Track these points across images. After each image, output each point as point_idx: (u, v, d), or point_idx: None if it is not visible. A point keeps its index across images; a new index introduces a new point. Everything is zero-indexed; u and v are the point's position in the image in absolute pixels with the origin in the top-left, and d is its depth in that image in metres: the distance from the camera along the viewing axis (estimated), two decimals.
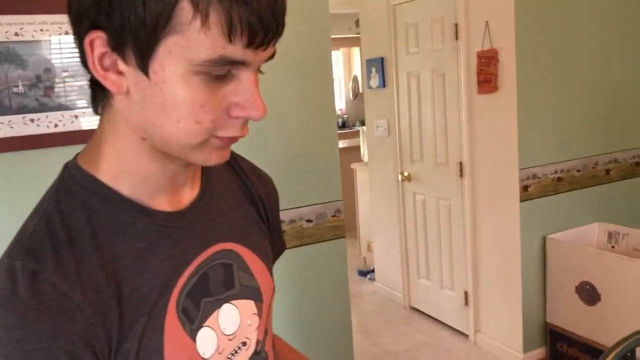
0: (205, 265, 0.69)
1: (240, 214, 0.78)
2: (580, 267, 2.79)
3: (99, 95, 0.63)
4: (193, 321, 0.65)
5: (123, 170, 0.64)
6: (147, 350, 0.61)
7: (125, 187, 0.64)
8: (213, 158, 0.63)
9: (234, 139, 0.62)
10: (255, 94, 0.59)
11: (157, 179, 0.66)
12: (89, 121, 1.84)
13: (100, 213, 0.63)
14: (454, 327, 3.49)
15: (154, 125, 0.59)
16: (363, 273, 4.56)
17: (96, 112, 0.65)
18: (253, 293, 0.74)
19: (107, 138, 0.64)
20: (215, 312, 0.68)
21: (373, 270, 4.37)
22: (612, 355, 1.31)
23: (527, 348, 3.00)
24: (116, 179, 0.64)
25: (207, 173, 0.75)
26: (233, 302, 0.71)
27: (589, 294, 2.75)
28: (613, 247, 3.00)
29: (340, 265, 2.57)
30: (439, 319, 3.62)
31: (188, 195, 0.71)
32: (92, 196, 0.63)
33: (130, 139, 0.63)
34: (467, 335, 3.38)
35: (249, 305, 0.73)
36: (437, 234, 3.54)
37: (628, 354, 1.34)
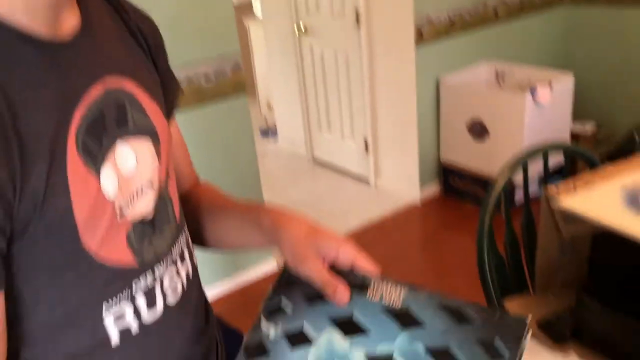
0: (99, 102, 0.64)
1: (124, 47, 0.73)
2: (471, 105, 2.96)
3: None
4: (95, 159, 0.62)
5: None
6: (53, 190, 0.57)
7: (1, 9, 0.56)
8: None
9: None
10: None
11: (40, 1, 0.58)
12: None
13: None
14: (356, 173, 3.67)
15: None
16: (265, 133, 4.58)
17: None
18: (149, 132, 0.71)
19: None
20: (112, 151, 0.65)
21: (275, 129, 4.40)
22: (502, 177, 1.43)
23: (422, 185, 3.24)
24: None
25: (83, 3, 0.67)
26: (129, 140, 0.67)
27: (478, 130, 2.96)
28: (500, 85, 3.19)
29: (245, 121, 2.55)
30: (341, 168, 3.78)
31: (68, 25, 0.64)
32: None
33: None
34: (368, 182, 3.57)
35: (147, 145, 0.70)
36: (336, 86, 3.57)
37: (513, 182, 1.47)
